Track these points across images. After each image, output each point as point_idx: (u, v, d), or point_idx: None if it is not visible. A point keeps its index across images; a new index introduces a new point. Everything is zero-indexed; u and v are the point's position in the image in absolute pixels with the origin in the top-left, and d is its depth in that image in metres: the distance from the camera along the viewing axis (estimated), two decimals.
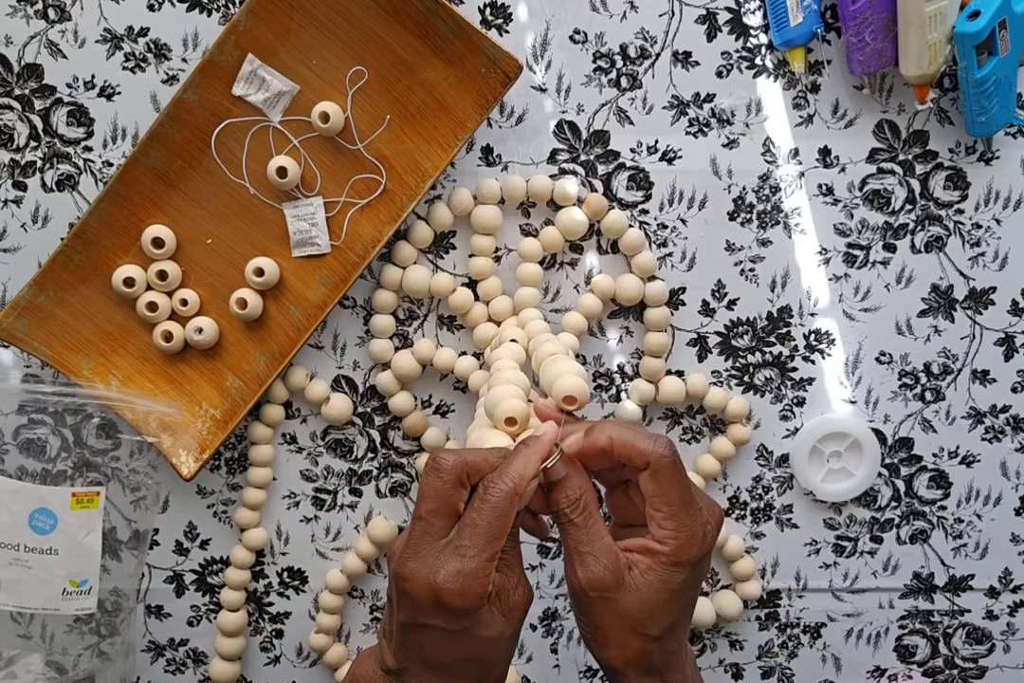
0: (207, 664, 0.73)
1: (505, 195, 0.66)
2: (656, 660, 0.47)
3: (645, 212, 0.68)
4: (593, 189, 0.67)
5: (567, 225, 0.66)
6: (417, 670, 0.46)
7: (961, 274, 0.69)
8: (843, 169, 0.68)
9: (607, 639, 0.47)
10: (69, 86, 0.66)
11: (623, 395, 0.70)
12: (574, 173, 0.67)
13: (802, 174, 0.68)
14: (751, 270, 0.69)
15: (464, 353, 0.68)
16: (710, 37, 0.66)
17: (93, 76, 0.66)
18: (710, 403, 0.68)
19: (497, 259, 0.68)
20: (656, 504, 0.46)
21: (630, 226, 0.67)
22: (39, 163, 0.67)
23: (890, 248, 0.69)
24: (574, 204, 0.67)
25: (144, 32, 0.66)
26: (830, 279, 0.69)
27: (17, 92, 0.66)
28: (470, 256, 0.67)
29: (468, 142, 0.65)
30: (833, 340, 0.70)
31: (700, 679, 0.51)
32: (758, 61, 0.66)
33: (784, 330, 0.69)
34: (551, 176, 0.67)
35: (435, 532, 0.45)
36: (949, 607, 0.73)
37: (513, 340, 0.63)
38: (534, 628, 0.73)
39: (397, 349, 0.69)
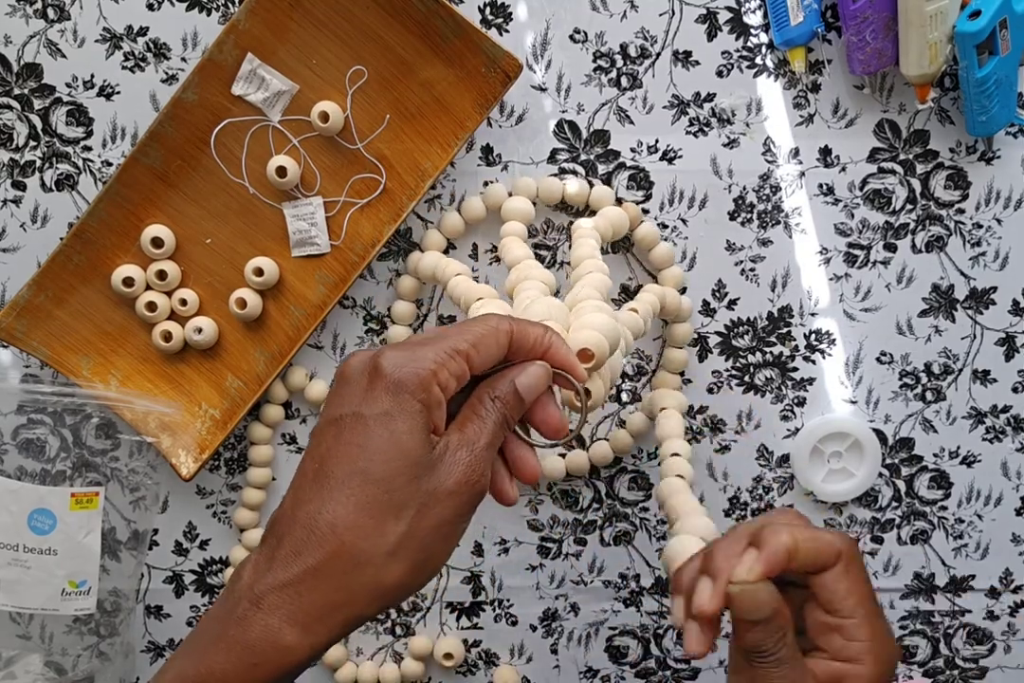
0: None
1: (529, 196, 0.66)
2: None
3: (645, 212, 0.68)
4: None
5: (612, 218, 0.64)
6: (297, 499, 0.37)
7: (962, 274, 0.69)
8: (844, 169, 0.68)
9: None
10: (68, 86, 0.66)
11: (623, 395, 0.70)
12: (574, 173, 0.67)
13: (802, 174, 0.68)
14: (751, 270, 0.69)
15: None
16: (710, 36, 0.66)
17: (92, 75, 0.66)
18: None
19: (498, 259, 0.68)
20: (849, 608, 0.38)
21: (664, 239, 0.67)
22: (38, 163, 0.67)
23: (891, 248, 0.69)
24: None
25: (143, 31, 0.66)
26: (831, 279, 0.69)
27: (16, 92, 0.66)
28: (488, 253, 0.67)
29: (468, 142, 0.65)
30: (834, 340, 0.70)
31: None
32: (758, 60, 0.66)
33: (784, 330, 0.69)
34: (552, 176, 0.67)
35: (409, 340, 0.39)
36: (950, 607, 0.73)
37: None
38: (534, 628, 0.73)
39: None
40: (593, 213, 0.67)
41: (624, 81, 0.66)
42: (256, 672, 0.34)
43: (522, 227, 0.65)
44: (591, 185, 0.67)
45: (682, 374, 0.69)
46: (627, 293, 0.68)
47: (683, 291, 0.68)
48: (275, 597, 0.35)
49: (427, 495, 0.35)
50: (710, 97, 0.67)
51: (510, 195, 0.66)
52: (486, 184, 0.67)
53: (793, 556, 0.37)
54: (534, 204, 0.66)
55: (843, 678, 0.38)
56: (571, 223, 0.67)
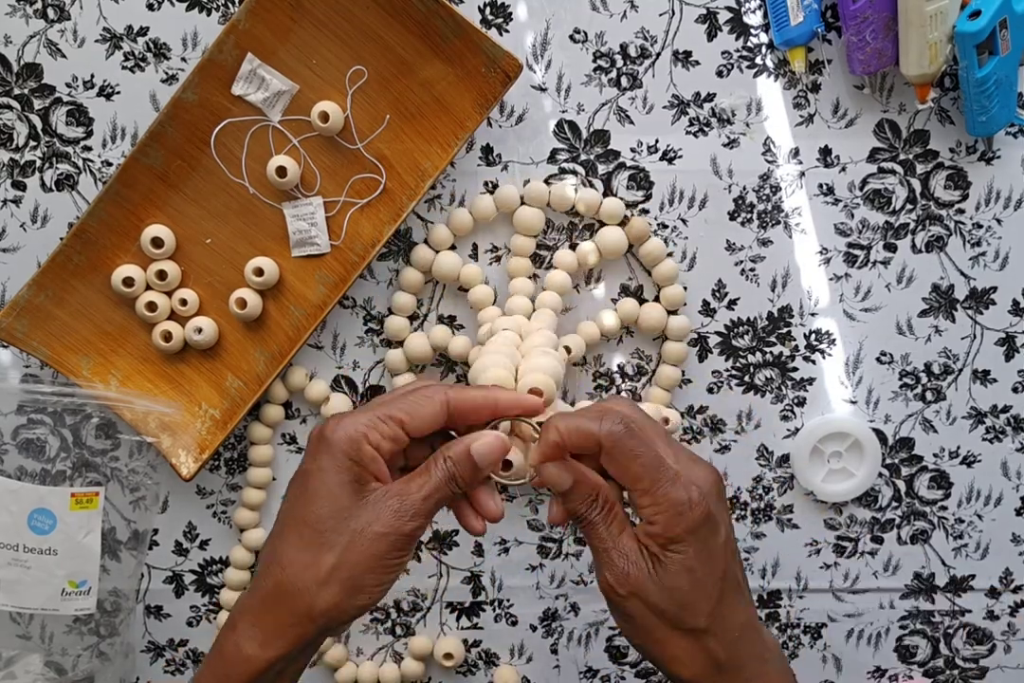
0: None
1: (534, 201, 0.67)
2: (721, 658, 0.44)
3: (645, 212, 0.68)
4: (593, 189, 0.67)
5: (608, 244, 0.66)
6: (266, 543, 0.45)
7: (962, 274, 0.69)
8: (843, 169, 0.68)
9: (658, 645, 0.44)
10: (68, 86, 0.66)
11: (623, 395, 0.70)
12: (574, 172, 0.67)
13: (802, 174, 0.68)
14: (751, 270, 0.69)
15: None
16: (710, 36, 0.66)
17: (92, 76, 0.66)
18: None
19: (498, 259, 0.68)
20: (627, 483, 0.44)
21: (669, 254, 0.67)
22: (38, 163, 0.67)
23: (891, 248, 0.69)
24: (619, 224, 0.67)
25: (143, 31, 0.66)
26: (830, 279, 0.69)
27: (16, 92, 0.66)
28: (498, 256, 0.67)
29: (468, 142, 0.65)
30: (834, 340, 0.70)
31: (791, 673, 0.47)
32: (758, 60, 0.66)
33: (784, 330, 0.69)
34: (552, 176, 0.67)
35: (384, 418, 0.45)
36: (950, 607, 0.73)
37: (506, 329, 0.62)
38: (534, 628, 0.73)
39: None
40: (602, 225, 0.67)
41: (624, 81, 0.66)
42: (228, 682, 0.43)
43: (530, 243, 0.67)
44: (603, 194, 0.67)
45: (682, 374, 0.69)
46: (627, 293, 0.68)
47: (674, 312, 0.68)
48: (242, 620, 0.43)
49: (354, 533, 0.42)
50: (710, 97, 0.67)
51: (522, 200, 0.66)
52: (486, 184, 0.67)
53: (564, 445, 0.44)
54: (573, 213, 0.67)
55: (647, 536, 0.44)
56: (571, 224, 0.68)
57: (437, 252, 0.67)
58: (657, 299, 0.68)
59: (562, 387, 0.52)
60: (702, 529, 0.43)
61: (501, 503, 0.47)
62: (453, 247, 0.68)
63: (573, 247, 0.68)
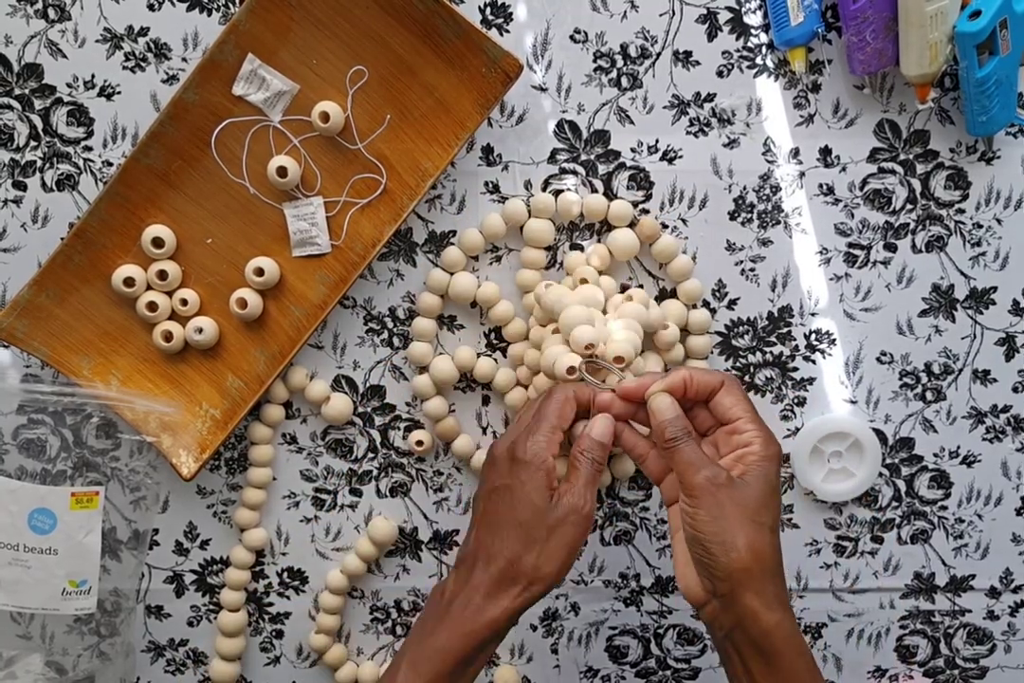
0: (207, 664, 0.73)
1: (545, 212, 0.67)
2: (774, 557, 0.53)
3: (646, 212, 0.68)
4: (594, 189, 0.67)
5: (620, 246, 0.66)
6: (479, 540, 0.57)
7: (962, 274, 0.69)
8: (844, 169, 0.68)
9: (734, 527, 0.53)
10: (69, 86, 0.66)
11: None
12: (574, 173, 0.67)
13: (802, 174, 0.68)
14: (752, 270, 0.69)
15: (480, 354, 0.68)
16: (710, 37, 0.66)
17: (93, 76, 0.66)
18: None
19: (498, 259, 0.68)
20: (736, 413, 0.55)
21: (683, 252, 0.68)
22: (39, 163, 0.67)
23: (891, 248, 0.69)
24: (628, 226, 0.67)
25: (144, 32, 0.66)
26: (830, 279, 0.69)
27: (17, 92, 0.66)
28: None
29: (468, 142, 0.65)
30: (834, 340, 0.70)
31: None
32: (759, 61, 0.66)
33: (785, 330, 0.69)
34: (552, 176, 0.67)
35: (524, 422, 0.58)
36: (950, 607, 0.73)
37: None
38: (534, 628, 0.73)
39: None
40: (606, 226, 0.67)
41: (624, 81, 0.66)
42: (468, 639, 0.55)
43: (541, 256, 0.67)
44: (603, 194, 0.67)
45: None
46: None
47: (694, 306, 0.68)
48: (476, 593, 0.55)
49: (550, 528, 0.55)
50: (710, 97, 0.67)
51: (529, 213, 0.67)
52: (486, 184, 0.67)
53: (689, 383, 0.56)
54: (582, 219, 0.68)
55: (739, 457, 0.55)
56: (571, 224, 0.68)
57: (452, 274, 0.67)
58: (672, 295, 0.68)
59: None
60: (778, 464, 0.55)
61: (644, 443, 0.59)
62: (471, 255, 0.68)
63: (574, 248, 0.68)
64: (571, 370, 0.59)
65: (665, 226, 0.68)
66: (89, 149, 0.67)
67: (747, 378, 0.70)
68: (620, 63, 0.66)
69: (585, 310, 0.61)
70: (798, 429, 0.70)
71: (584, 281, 0.65)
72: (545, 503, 0.55)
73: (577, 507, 0.55)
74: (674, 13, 0.66)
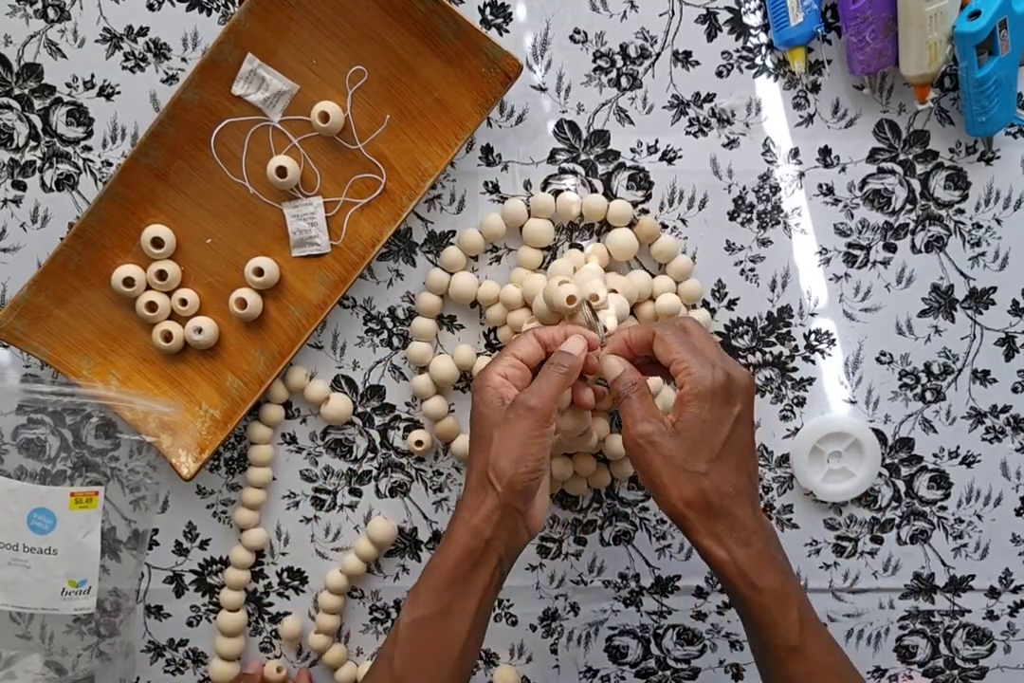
0: (207, 664, 0.73)
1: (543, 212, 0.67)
2: (712, 499, 0.53)
3: (645, 212, 0.68)
4: (593, 189, 0.67)
5: (619, 246, 0.66)
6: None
7: (961, 274, 0.69)
8: (843, 169, 0.68)
9: (663, 482, 0.54)
10: (68, 86, 0.66)
11: None
12: (574, 173, 0.67)
13: (802, 174, 0.68)
14: (751, 270, 0.69)
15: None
16: (710, 37, 0.66)
17: (93, 76, 0.66)
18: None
19: (498, 259, 0.68)
20: (669, 357, 0.55)
21: (683, 252, 0.68)
22: (39, 163, 0.67)
23: (890, 248, 0.69)
24: (627, 226, 0.67)
25: (144, 32, 0.66)
26: (830, 279, 0.69)
27: (17, 92, 0.66)
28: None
29: (468, 142, 0.65)
30: (833, 340, 0.70)
31: (780, 548, 0.56)
32: (758, 61, 0.66)
33: (784, 330, 0.69)
34: (551, 176, 0.67)
35: (507, 360, 0.58)
36: (949, 607, 0.73)
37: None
38: (534, 628, 0.73)
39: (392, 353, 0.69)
40: (605, 226, 0.67)
41: (624, 81, 0.66)
42: (457, 554, 0.55)
43: (538, 256, 0.67)
44: (603, 194, 0.67)
45: None
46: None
47: (692, 306, 0.68)
48: (461, 512, 0.55)
49: (500, 426, 0.55)
50: (710, 97, 0.67)
51: (529, 213, 0.67)
52: (486, 184, 0.67)
53: (629, 342, 0.58)
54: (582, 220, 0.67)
55: (680, 397, 0.55)
56: (571, 224, 0.68)
57: (451, 274, 0.67)
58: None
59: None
60: (718, 396, 0.54)
61: (592, 395, 0.60)
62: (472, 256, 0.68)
63: (573, 247, 0.68)
64: (571, 299, 0.60)
65: (665, 226, 0.68)
66: (89, 149, 0.67)
67: None
68: (620, 63, 0.66)
69: (567, 264, 0.63)
70: (798, 429, 0.70)
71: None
72: (497, 412, 0.56)
73: (523, 400, 0.55)
74: (674, 13, 0.66)
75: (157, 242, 0.65)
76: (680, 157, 0.67)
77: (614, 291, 0.64)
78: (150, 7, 0.65)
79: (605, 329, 0.60)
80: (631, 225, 0.67)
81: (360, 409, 0.70)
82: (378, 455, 0.71)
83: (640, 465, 0.55)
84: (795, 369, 0.70)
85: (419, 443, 0.69)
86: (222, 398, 0.68)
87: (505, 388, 0.57)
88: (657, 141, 0.67)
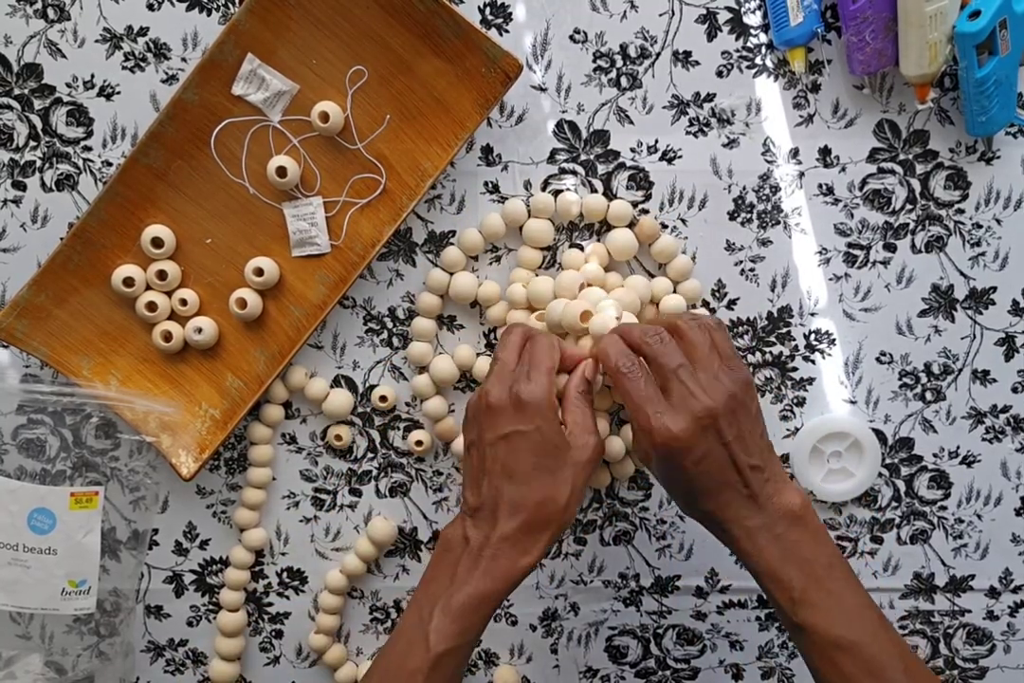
0: (207, 664, 0.73)
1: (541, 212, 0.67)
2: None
3: (645, 212, 0.68)
4: (593, 189, 0.67)
5: (619, 246, 0.66)
6: (496, 488, 0.55)
7: (961, 274, 0.69)
8: (843, 169, 0.68)
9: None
10: (68, 86, 0.66)
11: None
12: (574, 173, 0.67)
13: (802, 174, 0.68)
14: (751, 270, 0.69)
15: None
16: (710, 37, 0.66)
17: (92, 76, 0.66)
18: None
19: (498, 259, 0.68)
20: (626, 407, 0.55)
21: (683, 252, 0.68)
22: (38, 163, 0.67)
23: (890, 248, 0.69)
24: (627, 226, 0.67)
25: (144, 32, 0.66)
26: (830, 279, 0.69)
27: (16, 92, 0.66)
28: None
29: (468, 142, 0.65)
30: (833, 340, 0.70)
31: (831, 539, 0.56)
32: (758, 61, 0.66)
33: (784, 330, 0.69)
34: (551, 176, 0.67)
35: (507, 368, 0.57)
36: (949, 607, 0.73)
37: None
38: (534, 628, 0.73)
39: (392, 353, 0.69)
40: (605, 226, 0.67)
41: (624, 81, 0.66)
42: (506, 584, 0.55)
43: (538, 256, 0.67)
44: (603, 194, 0.67)
45: None
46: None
47: (692, 307, 0.68)
48: (506, 543, 0.55)
49: (573, 467, 0.55)
50: (710, 97, 0.67)
51: (529, 213, 0.67)
52: (486, 184, 0.67)
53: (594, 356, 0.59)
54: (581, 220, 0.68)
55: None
56: (571, 224, 0.68)
57: (451, 274, 0.67)
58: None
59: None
60: (677, 450, 0.53)
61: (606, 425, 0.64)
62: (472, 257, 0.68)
63: (573, 247, 0.68)
64: (585, 316, 0.60)
65: (665, 226, 0.68)
66: (88, 149, 0.67)
67: None
68: (620, 63, 0.66)
69: (573, 280, 0.64)
70: (798, 429, 0.70)
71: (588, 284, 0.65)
72: (564, 443, 0.55)
73: (591, 444, 0.56)
74: (674, 13, 0.66)
75: (157, 242, 0.65)
76: (680, 157, 0.67)
77: (620, 304, 0.64)
78: (150, 7, 0.65)
79: None
80: (631, 225, 0.67)
81: (360, 409, 0.70)
82: (378, 455, 0.71)
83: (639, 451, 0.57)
84: (795, 369, 0.70)
85: (419, 443, 0.69)
86: (222, 398, 0.68)
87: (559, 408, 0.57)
88: (657, 141, 0.67)
